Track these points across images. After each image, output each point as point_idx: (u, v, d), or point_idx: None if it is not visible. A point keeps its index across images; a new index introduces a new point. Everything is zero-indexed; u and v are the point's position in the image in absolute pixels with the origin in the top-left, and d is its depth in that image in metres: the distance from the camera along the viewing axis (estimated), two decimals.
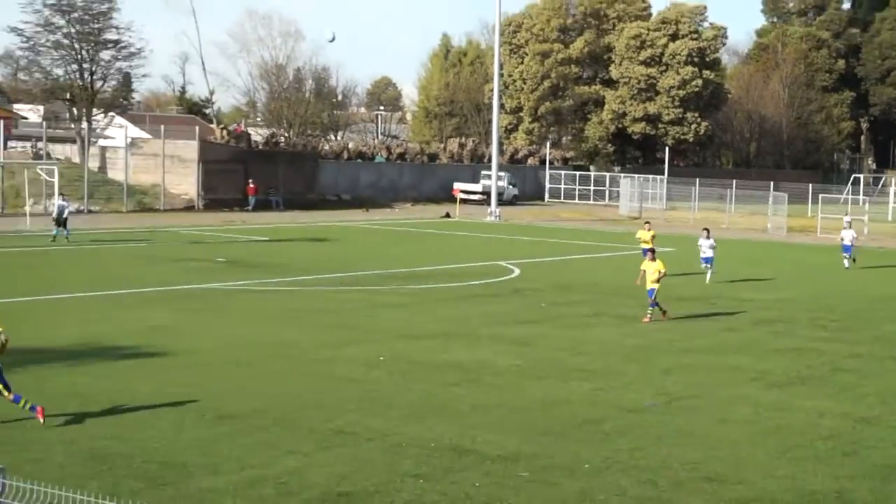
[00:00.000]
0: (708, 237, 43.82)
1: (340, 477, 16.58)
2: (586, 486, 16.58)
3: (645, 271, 33.51)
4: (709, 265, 43.66)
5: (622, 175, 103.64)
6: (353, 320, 31.91)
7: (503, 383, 23.92)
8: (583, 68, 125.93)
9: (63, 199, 55.37)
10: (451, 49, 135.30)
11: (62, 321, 30.06)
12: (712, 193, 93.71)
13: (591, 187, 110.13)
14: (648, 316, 32.95)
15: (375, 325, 31.11)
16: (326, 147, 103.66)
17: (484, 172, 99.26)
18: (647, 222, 49.80)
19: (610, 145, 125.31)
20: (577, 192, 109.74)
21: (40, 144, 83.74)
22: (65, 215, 53.29)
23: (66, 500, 9.28)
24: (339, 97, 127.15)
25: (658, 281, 32.92)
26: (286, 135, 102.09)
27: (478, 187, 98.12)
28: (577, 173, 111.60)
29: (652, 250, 36.06)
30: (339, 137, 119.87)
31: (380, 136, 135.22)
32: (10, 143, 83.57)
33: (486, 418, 20.66)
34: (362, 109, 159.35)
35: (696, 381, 24.57)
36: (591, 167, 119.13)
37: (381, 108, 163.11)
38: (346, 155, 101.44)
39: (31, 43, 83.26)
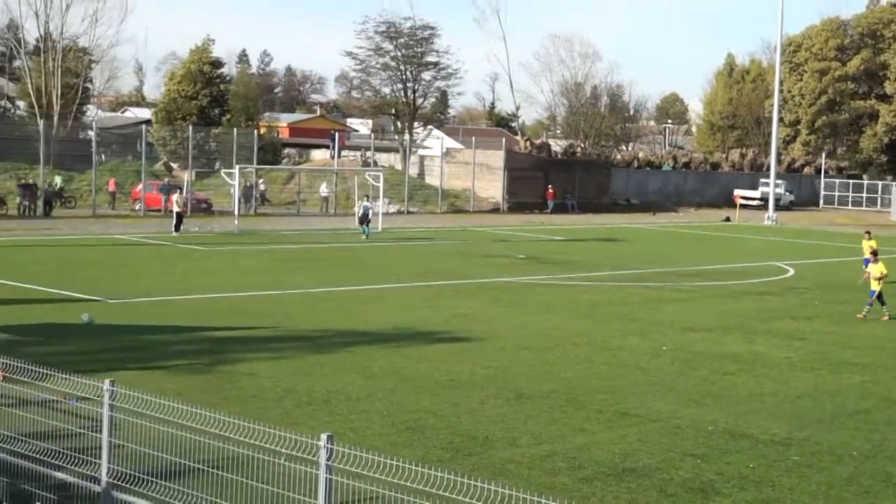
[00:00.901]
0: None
1: (624, 454, 16.45)
2: (854, 471, 15.98)
3: (869, 273, 32.48)
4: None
5: (894, 184, 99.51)
6: (637, 313, 31.63)
7: (776, 374, 23.28)
8: (858, 84, 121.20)
9: (367, 201, 56.91)
10: (734, 67, 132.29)
11: (386, 307, 30.80)
12: None
13: (864, 195, 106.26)
14: (864, 312, 31.79)
15: (658, 317, 30.74)
16: (618, 156, 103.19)
17: (762, 180, 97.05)
18: (867, 231, 46.61)
19: (883, 156, 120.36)
20: (850, 199, 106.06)
21: (369, 153, 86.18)
22: (369, 216, 54.70)
23: (383, 464, 9.47)
24: (631, 111, 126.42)
25: (880, 281, 31.84)
26: (582, 145, 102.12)
27: (756, 193, 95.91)
28: (851, 181, 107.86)
29: (874, 253, 35.01)
30: (629, 148, 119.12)
31: (667, 147, 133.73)
32: (344, 153, 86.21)
33: (759, 405, 20.16)
34: (651, 122, 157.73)
35: None
36: (864, 176, 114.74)
37: (669, 121, 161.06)
38: (635, 163, 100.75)
39: (364, 65, 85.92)
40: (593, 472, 15.48)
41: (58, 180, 65.18)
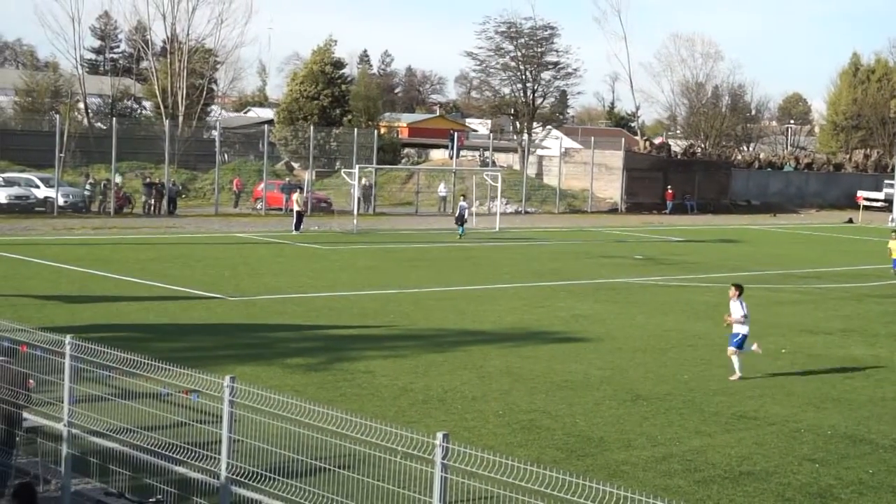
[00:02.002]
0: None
1: (741, 458, 16.25)
2: None
3: None
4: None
5: None
6: (756, 315, 31.00)
7: None
8: None
9: (464, 201, 57.00)
10: (860, 66, 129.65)
11: (501, 307, 30.80)
12: None
13: None
14: None
15: (777, 320, 30.25)
16: (739, 157, 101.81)
17: (887, 181, 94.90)
18: (893, 231, 44.41)
19: None
20: None
21: (487, 153, 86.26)
22: (465, 216, 54.71)
23: (497, 464, 9.47)
24: (753, 112, 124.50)
25: None
26: (702, 146, 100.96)
27: (880, 195, 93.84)
28: None
29: None
30: (750, 148, 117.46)
31: (789, 148, 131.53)
32: (462, 152, 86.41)
33: (880, 410, 19.75)
34: (773, 123, 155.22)
35: None
36: None
37: (791, 121, 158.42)
38: (756, 164, 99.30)
39: (484, 65, 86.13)
40: (709, 476, 15.32)
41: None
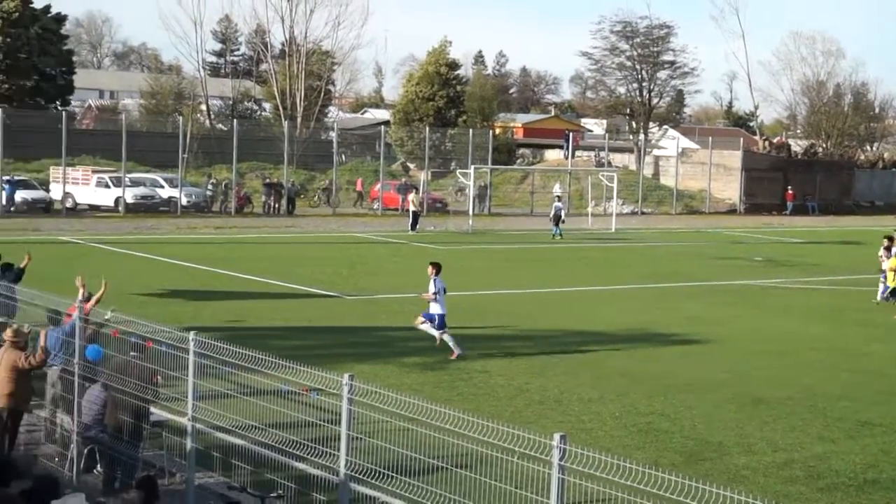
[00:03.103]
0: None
1: (867, 465, 15.91)
2: None
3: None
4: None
5: None
6: (880, 318, 30.51)
7: None
8: None
9: (559, 202, 56.66)
10: None
11: (618, 308, 30.59)
12: None
13: None
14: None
15: None
16: (862, 157, 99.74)
17: None
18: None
19: None
20: None
21: (602, 154, 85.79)
22: (562, 216, 54.32)
23: (615, 466, 9.40)
24: (877, 110, 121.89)
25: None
26: (824, 145, 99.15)
27: None
28: None
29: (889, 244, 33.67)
30: (874, 148, 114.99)
31: None
32: (577, 153, 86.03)
33: None
34: None
35: None
36: None
37: None
38: (881, 164, 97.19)
39: (599, 65, 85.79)
40: (833, 483, 15.03)
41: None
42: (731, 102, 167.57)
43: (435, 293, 23.31)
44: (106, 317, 14.87)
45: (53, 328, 15.48)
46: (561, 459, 9.56)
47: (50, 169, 59.49)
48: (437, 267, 23.99)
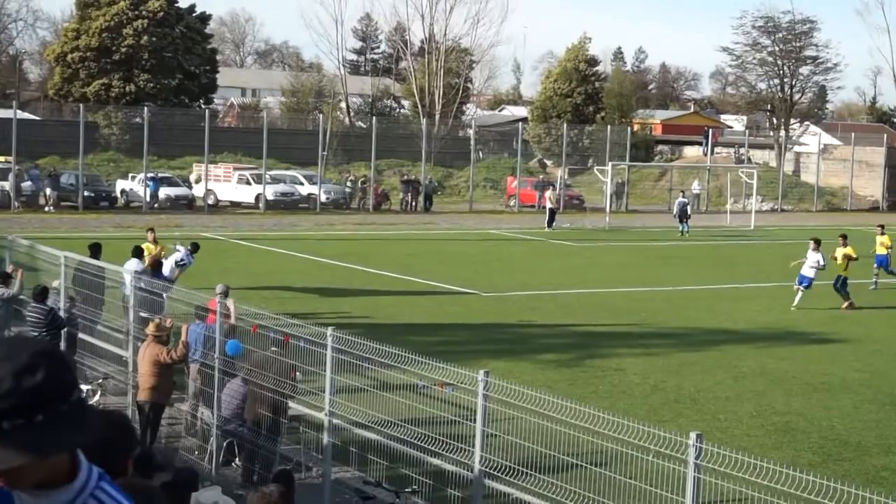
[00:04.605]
0: (816, 249, 30.69)
1: None
2: None
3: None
4: (803, 287, 30.22)
5: None
6: None
7: None
8: None
9: (683, 197, 55.78)
10: None
11: (755, 306, 30.12)
12: None
13: None
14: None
15: None
16: None
17: None
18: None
19: None
20: None
21: (742, 150, 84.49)
22: (688, 212, 53.44)
23: (751, 465, 9.31)
24: None
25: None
26: None
27: None
28: None
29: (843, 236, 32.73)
30: None
31: None
32: (717, 149, 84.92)
33: None
34: None
35: None
36: None
37: None
38: None
39: (740, 61, 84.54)
40: None
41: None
42: (874, 98, 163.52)
43: None
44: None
45: (196, 323, 15.84)
46: (697, 458, 9.52)
47: (193, 165, 60.89)
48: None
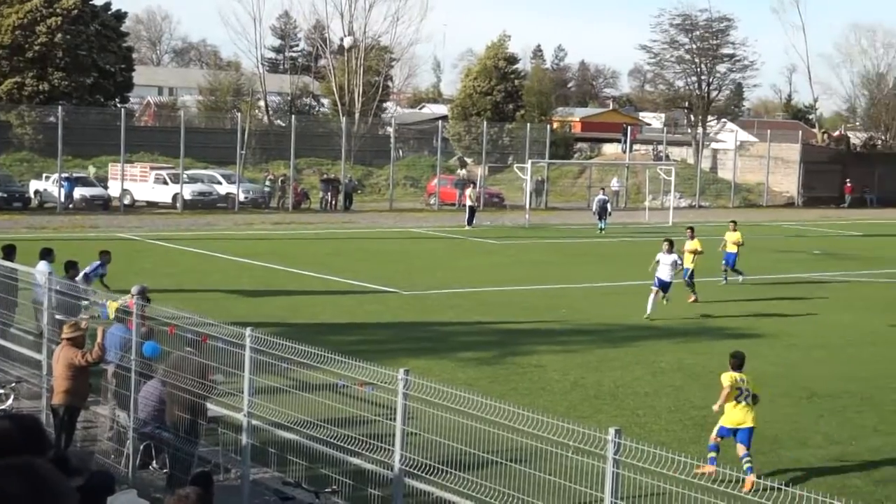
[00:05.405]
0: (670, 251, 29.16)
1: None
2: None
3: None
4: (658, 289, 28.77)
5: None
6: None
7: None
8: None
9: (602, 195, 56.43)
10: None
11: (674, 303, 30.36)
12: None
13: None
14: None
15: None
16: None
17: None
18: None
19: None
20: None
21: (660, 147, 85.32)
22: (608, 210, 54.02)
23: (670, 460, 9.40)
24: None
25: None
26: (883, 138, 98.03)
27: None
28: None
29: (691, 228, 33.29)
30: None
31: None
32: (636, 147, 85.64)
33: None
34: None
35: None
36: None
37: None
38: None
39: (658, 58, 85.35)
40: (889, 475, 14.93)
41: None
42: (790, 95, 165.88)
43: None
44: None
45: (117, 325, 15.65)
46: (616, 453, 9.60)
47: (109, 166, 60.13)
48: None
